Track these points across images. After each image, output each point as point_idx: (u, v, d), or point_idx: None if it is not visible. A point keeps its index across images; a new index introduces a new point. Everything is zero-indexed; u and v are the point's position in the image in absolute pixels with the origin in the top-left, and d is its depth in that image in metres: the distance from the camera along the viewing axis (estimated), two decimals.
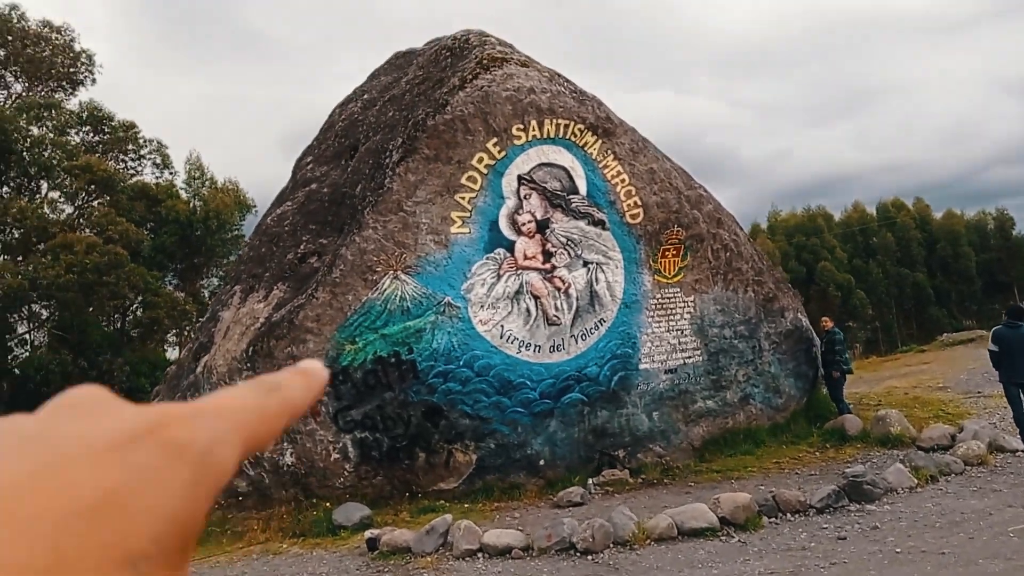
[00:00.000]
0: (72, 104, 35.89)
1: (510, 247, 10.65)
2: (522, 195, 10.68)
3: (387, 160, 10.37)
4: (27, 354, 33.29)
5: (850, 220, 69.33)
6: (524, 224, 10.71)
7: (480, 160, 10.39)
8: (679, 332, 11.72)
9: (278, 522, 10.02)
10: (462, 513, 9.79)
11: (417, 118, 10.35)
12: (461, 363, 10.33)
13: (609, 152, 11.18)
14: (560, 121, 10.81)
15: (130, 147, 36.06)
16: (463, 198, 10.34)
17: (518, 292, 10.68)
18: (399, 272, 10.07)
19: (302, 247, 11.27)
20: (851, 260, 64.45)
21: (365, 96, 13.10)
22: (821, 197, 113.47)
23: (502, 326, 10.54)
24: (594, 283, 11.15)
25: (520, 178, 10.66)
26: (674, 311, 11.71)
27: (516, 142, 10.58)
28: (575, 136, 10.95)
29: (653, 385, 11.50)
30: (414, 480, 10.42)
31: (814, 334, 13.23)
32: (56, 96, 35.63)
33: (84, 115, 34.57)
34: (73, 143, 34.26)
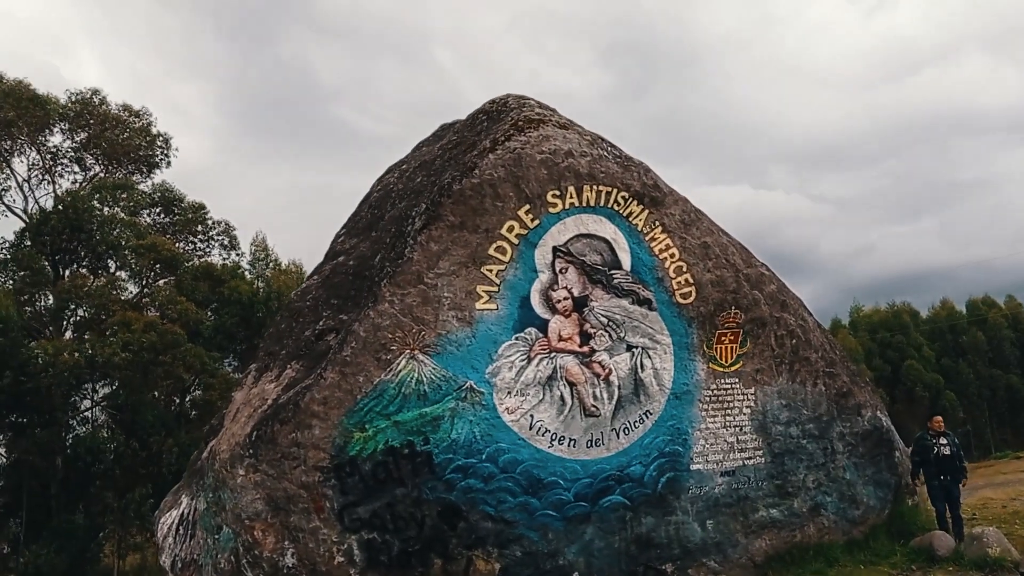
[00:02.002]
0: (146, 186, 36.77)
1: (543, 327, 9.54)
2: (557, 269, 9.62)
3: (409, 228, 9.50)
4: (86, 433, 33.21)
5: (937, 317, 66.13)
6: (559, 301, 9.61)
7: (511, 229, 9.41)
8: (737, 429, 10.30)
9: None
10: None
11: (443, 182, 9.49)
12: (484, 457, 9.13)
13: (657, 223, 10.08)
14: (601, 188, 9.80)
15: (199, 228, 36.55)
16: (491, 271, 9.34)
17: (551, 378, 9.51)
18: (416, 352, 9.04)
19: (321, 323, 10.38)
20: (939, 359, 61.17)
21: (404, 167, 12.40)
22: (904, 294, 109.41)
23: (532, 416, 9.34)
24: (639, 370, 9.90)
25: (556, 250, 9.62)
26: (732, 405, 10.33)
27: (552, 210, 9.58)
28: (618, 205, 9.90)
29: (707, 489, 10.06)
30: None
31: (896, 436, 11.59)
32: (133, 179, 36.56)
33: (156, 196, 35.31)
34: (144, 223, 35.00)
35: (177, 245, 35.26)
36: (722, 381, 10.28)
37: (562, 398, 9.52)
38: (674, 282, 10.07)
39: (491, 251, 9.35)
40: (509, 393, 9.28)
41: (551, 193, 9.55)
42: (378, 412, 8.96)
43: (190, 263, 33.77)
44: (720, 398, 10.25)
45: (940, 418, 11.73)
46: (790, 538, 10.37)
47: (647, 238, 10.02)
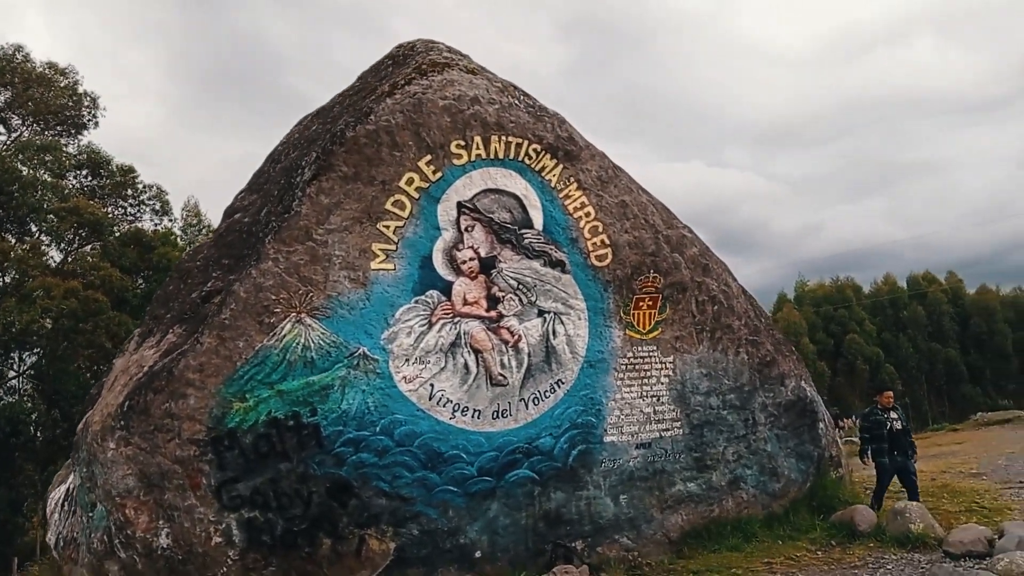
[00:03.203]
0: (74, 148, 35.05)
1: (446, 289, 8.83)
2: (463, 227, 8.90)
3: (297, 179, 8.68)
4: (5, 404, 31.77)
5: (880, 292, 67.10)
6: (464, 262, 8.90)
7: (410, 182, 8.65)
8: (655, 399, 9.75)
9: None
10: None
11: (335, 130, 8.68)
12: (378, 429, 8.42)
13: (572, 180, 9.40)
14: (511, 139, 9.08)
15: (128, 192, 34.99)
16: (388, 227, 8.58)
17: (454, 344, 8.82)
18: (303, 315, 8.27)
19: (209, 284, 9.51)
20: (880, 333, 62.17)
21: (308, 118, 11.52)
22: (851, 271, 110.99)
23: (432, 385, 8.65)
24: (551, 336, 9.26)
25: (460, 206, 8.89)
26: (649, 374, 9.76)
27: (456, 162, 8.84)
28: (530, 158, 9.20)
29: (621, 462, 9.50)
30: (317, 572, 8.43)
31: (821, 407, 11.16)
32: (61, 140, 34.78)
33: (82, 158, 33.67)
34: (71, 187, 33.41)
35: (106, 210, 33.78)
36: (639, 349, 9.70)
37: (466, 366, 8.84)
38: (589, 243, 9.42)
39: (388, 206, 8.59)
40: (407, 361, 8.57)
41: (455, 143, 8.80)
42: (260, 381, 8.20)
43: (117, 228, 32.35)
44: (637, 367, 9.68)
45: (890, 392, 11.19)
46: (708, 513, 9.89)
47: (561, 195, 9.34)
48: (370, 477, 8.40)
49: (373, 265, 8.51)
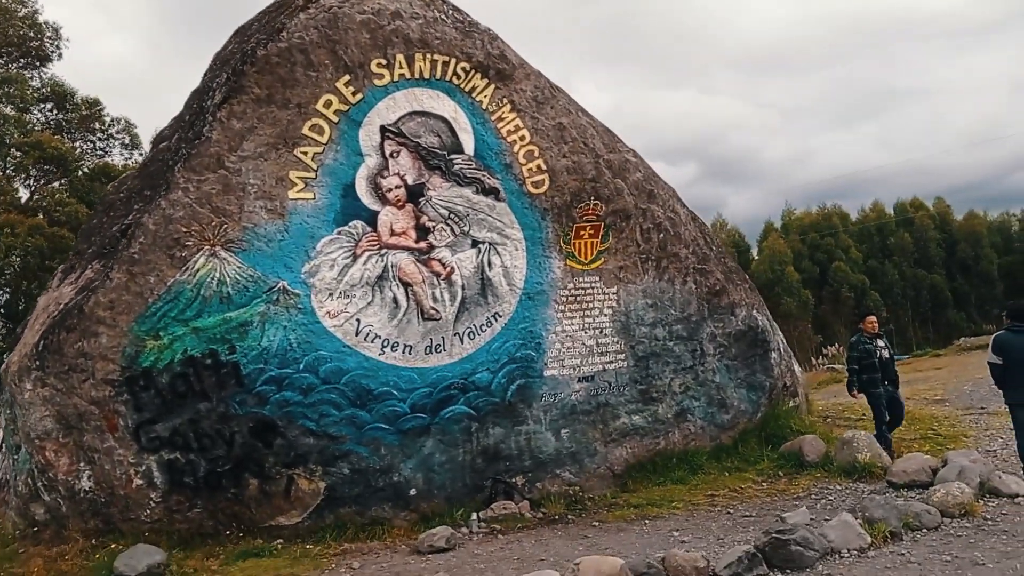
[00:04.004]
0: (38, 81, 33.94)
1: (371, 219, 8.40)
2: (387, 152, 8.42)
3: (208, 102, 8.16)
4: None
5: (867, 219, 66.61)
6: (390, 190, 8.45)
7: (328, 104, 8.13)
8: (598, 331, 9.42)
9: (64, 564, 7.83)
10: (292, 561, 7.63)
11: (247, 48, 8.12)
12: (301, 367, 8.09)
13: (505, 101, 8.88)
14: (437, 57, 8.52)
15: (95, 126, 34.05)
16: (306, 153, 8.10)
17: (381, 277, 8.43)
18: (217, 248, 7.86)
19: (130, 217, 9.05)
20: (866, 260, 61.90)
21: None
22: (843, 199, 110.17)
23: (359, 320, 8.29)
24: (486, 268, 8.88)
25: (384, 130, 8.39)
26: (592, 305, 9.41)
27: (377, 83, 8.31)
28: (458, 78, 8.66)
29: (563, 396, 9.22)
30: (245, 513, 8.22)
31: (773, 335, 10.86)
32: (26, 74, 33.63)
33: (46, 91, 32.63)
34: (36, 121, 32.50)
35: (74, 145, 32.94)
36: (581, 280, 9.33)
37: (395, 300, 8.47)
38: (524, 169, 8.95)
39: (306, 130, 8.09)
40: (331, 295, 8.19)
41: (376, 62, 8.25)
42: (174, 317, 7.83)
43: (85, 163, 31.56)
44: (579, 298, 9.32)
45: (874, 317, 10.42)
46: (653, 446, 9.67)
47: (493, 118, 8.83)
48: (295, 416, 8.11)
49: (291, 194, 8.06)
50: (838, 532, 6.30)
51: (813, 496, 8.59)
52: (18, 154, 30.21)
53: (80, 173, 31.49)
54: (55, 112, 34.23)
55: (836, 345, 42.19)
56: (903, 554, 6.12)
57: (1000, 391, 8.77)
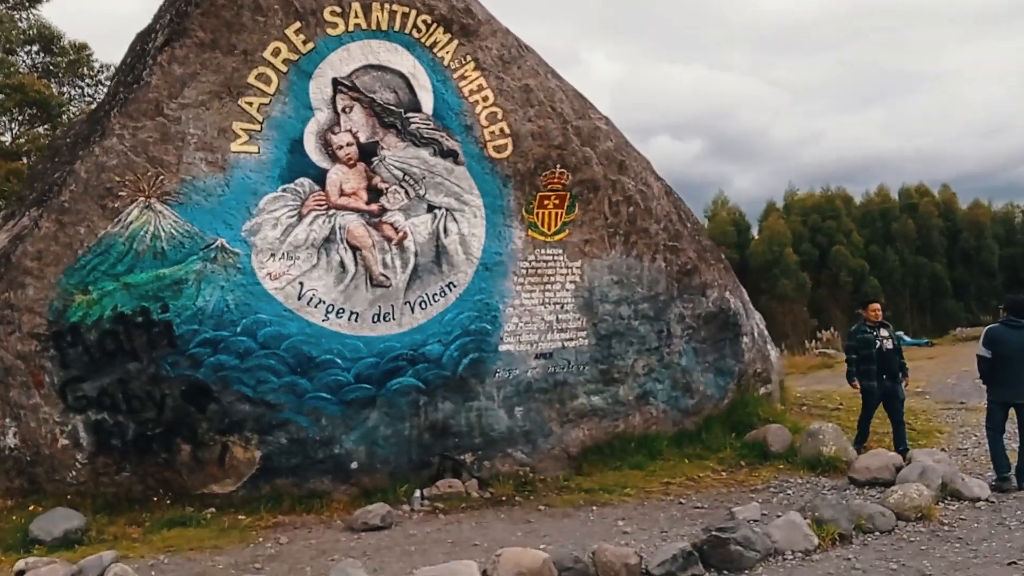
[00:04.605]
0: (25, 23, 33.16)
1: (319, 178, 7.94)
2: (339, 107, 7.94)
3: (149, 45, 7.67)
4: None
5: (871, 204, 65.89)
6: (341, 147, 7.98)
7: (276, 52, 7.64)
8: (558, 306, 9.00)
9: None
10: (219, 532, 7.29)
11: None
12: (239, 330, 7.69)
13: (469, 58, 8.37)
14: (396, 8, 8.00)
15: (84, 71, 33.34)
16: (251, 104, 7.63)
17: (328, 240, 8.00)
18: (153, 200, 7.43)
19: (76, 163, 8.60)
20: (867, 246, 61.31)
21: None
22: (850, 182, 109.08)
23: (302, 283, 7.87)
24: (442, 235, 8.43)
25: (337, 83, 7.90)
26: (553, 279, 8.98)
27: (331, 32, 7.81)
28: (418, 31, 8.14)
29: (518, 373, 8.83)
30: (176, 479, 7.87)
31: (746, 319, 10.43)
32: (15, 14, 32.84)
33: (32, 33, 31.89)
34: (24, 64, 31.81)
35: (63, 90, 32.28)
36: (543, 252, 8.89)
37: (342, 264, 8.04)
38: (486, 131, 8.46)
39: (252, 79, 7.61)
40: (273, 256, 7.76)
41: (329, 10, 7.75)
42: (104, 272, 7.42)
43: (65, 109, 30.91)
44: (539, 271, 8.88)
45: (877, 305, 9.48)
46: (612, 428, 9.29)
47: (455, 76, 8.33)
48: (231, 381, 7.73)
49: (234, 147, 7.60)
50: (783, 532, 5.93)
51: (772, 489, 8.24)
52: (0, 96, 29.60)
53: (64, 118, 30.87)
54: (42, 55, 33.49)
55: (831, 330, 41.83)
56: (849, 559, 5.76)
57: (984, 386, 8.35)
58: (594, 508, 7.85)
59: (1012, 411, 7.87)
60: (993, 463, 7.84)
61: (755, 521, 6.69)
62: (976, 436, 10.09)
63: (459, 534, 7.17)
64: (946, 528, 6.26)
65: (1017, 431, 8.10)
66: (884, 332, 9.31)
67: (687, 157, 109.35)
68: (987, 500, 6.95)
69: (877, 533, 6.20)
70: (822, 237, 60.61)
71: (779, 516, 6.50)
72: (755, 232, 62.12)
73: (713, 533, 5.70)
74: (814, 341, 38.22)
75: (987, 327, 8.28)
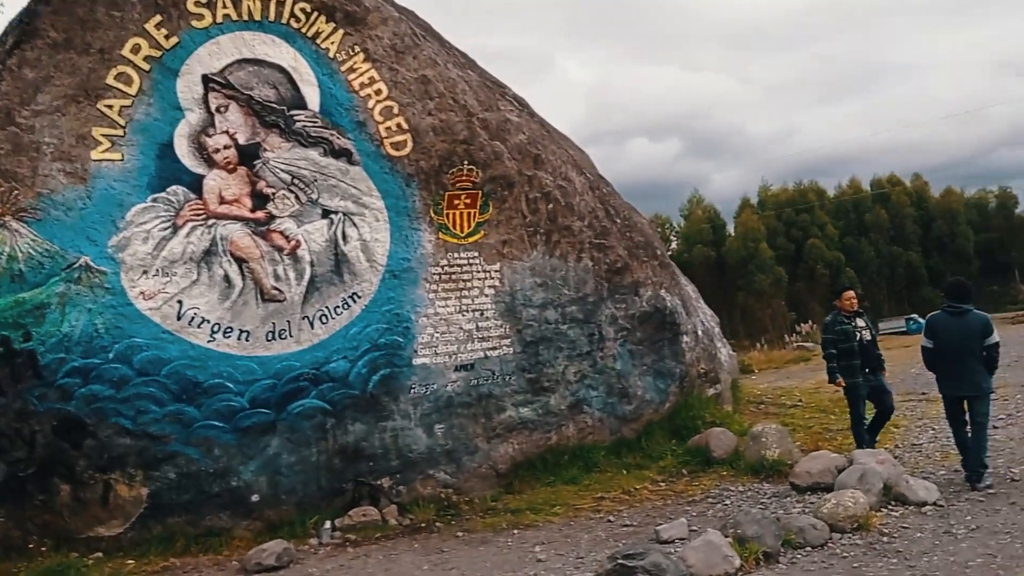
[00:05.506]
0: None
1: (195, 185, 7.25)
2: (213, 106, 7.26)
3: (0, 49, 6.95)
4: None
5: (844, 196, 65.81)
6: (218, 151, 7.30)
7: (136, 49, 6.96)
8: (478, 313, 8.33)
9: None
10: None
11: None
12: (111, 356, 6.98)
13: (357, 49, 7.70)
14: None
15: None
16: (111, 107, 6.94)
17: (210, 252, 7.30)
18: (7, 218, 6.73)
19: None
20: (842, 237, 61.17)
21: None
22: (826, 176, 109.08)
23: (180, 302, 7.17)
24: (340, 241, 7.75)
25: (208, 80, 7.22)
26: (470, 284, 8.31)
27: (197, 24, 7.13)
28: (298, 21, 7.47)
29: (437, 387, 8.14)
30: (58, 523, 7.14)
31: (685, 318, 9.78)
32: None
33: None
34: None
35: None
36: (457, 255, 8.22)
37: (227, 278, 7.34)
38: (382, 128, 7.79)
39: (111, 80, 6.92)
40: (145, 273, 7.06)
41: (193, 0, 7.05)
42: None
43: None
44: (454, 276, 8.21)
45: (852, 293, 8.76)
46: (544, 441, 8.62)
47: (343, 68, 7.65)
48: (107, 413, 7.01)
49: (95, 155, 6.90)
50: (701, 555, 5.25)
51: (711, 499, 7.59)
52: None
53: None
54: None
55: (809, 322, 41.46)
56: None
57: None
58: (515, 532, 7.17)
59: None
60: (960, 453, 7.23)
61: (680, 540, 6.06)
62: (934, 429, 9.48)
63: (363, 570, 6.50)
64: (885, 540, 5.60)
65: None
66: (861, 322, 8.58)
67: (665, 158, 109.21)
68: (935, 504, 6.30)
69: (808, 548, 5.54)
70: (797, 231, 60.43)
71: (700, 534, 5.84)
72: (732, 229, 61.85)
73: (619, 562, 5.03)
74: (793, 335, 37.85)
75: (928, 316, 7.63)
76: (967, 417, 7.15)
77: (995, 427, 8.63)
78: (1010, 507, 6.08)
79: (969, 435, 7.05)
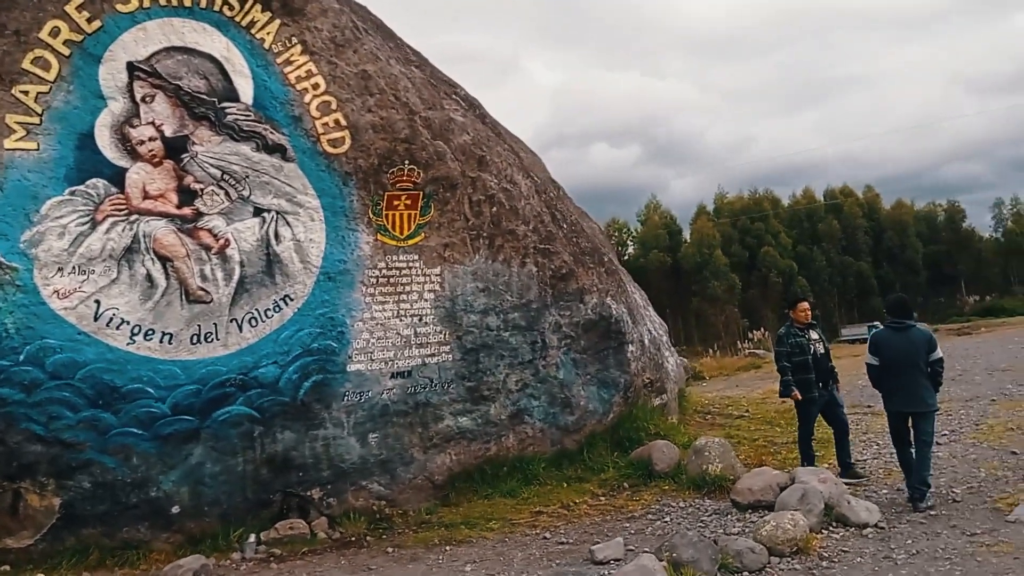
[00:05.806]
0: None
1: (116, 178, 6.86)
2: (138, 96, 6.87)
3: None
4: None
5: (798, 205, 66.78)
6: (143, 142, 6.91)
7: (55, 32, 6.55)
8: (416, 319, 8.05)
9: None
10: None
11: None
12: (21, 358, 6.56)
13: (294, 41, 7.37)
14: None
15: None
16: (27, 93, 6.52)
17: (131, 250, 6.91)
18: None
19: None
20: (795, 246, 62.03)
21: None
22: (783, 185, 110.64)
23: (98, 302, 6.77)
24: (272, 241, 7.41)
25: (133, 68, 6.84)
26: (409, 288, 8.02)
27: (121, 8, 6.75)
28: (231, 9, 7.12)
29: (371, 395, 7.84)
30: None
31: (631, 326, 9.60)
32: None
33: None
34: None
35: None
36: (396, 258, 7.93)
37: (150, 278, 6.96)
38: (319, 124, 7.46)
39: (27, 64, 6.51)
40: (60, 270, 6.64)
41: None
42: None
43: None
44: (393, 280, 7.92)
45: (806, 304, 8.41)
46: (483, 451, 8.36)
47: (279, 60, 7.32)
48: (17, 418, 6.59)
49: (8, 143, 6.47)
50: None
51: (651, 515, 7.39)
52: None
53: None
54: None
55: (762, 329, 41.88)
56: None
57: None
58: (447, 548, 6.90)
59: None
60: (904, 473, 7.13)
61: (616, 561, 5.84)
62: (878, 445, 9.42)
63: None
64: (824, 565, 5.43)
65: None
66: (814, 334, 8.36)
67: (625, 163, 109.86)
68: (876, 526, 6.16)
69: (745, 574, 5.35)
70: (751, 239, 61.15)
71: (646, 552, 5.64)
72: (687, 235, 62.35)
73: None
74: (746, 341, 38.19)
75: (872, 332, 7.51)
76: (911, 437, 7.05)
77: (939, 443, 8.57)
78: (951, 530, 5.97)
79: (913, 455, 6.95)
